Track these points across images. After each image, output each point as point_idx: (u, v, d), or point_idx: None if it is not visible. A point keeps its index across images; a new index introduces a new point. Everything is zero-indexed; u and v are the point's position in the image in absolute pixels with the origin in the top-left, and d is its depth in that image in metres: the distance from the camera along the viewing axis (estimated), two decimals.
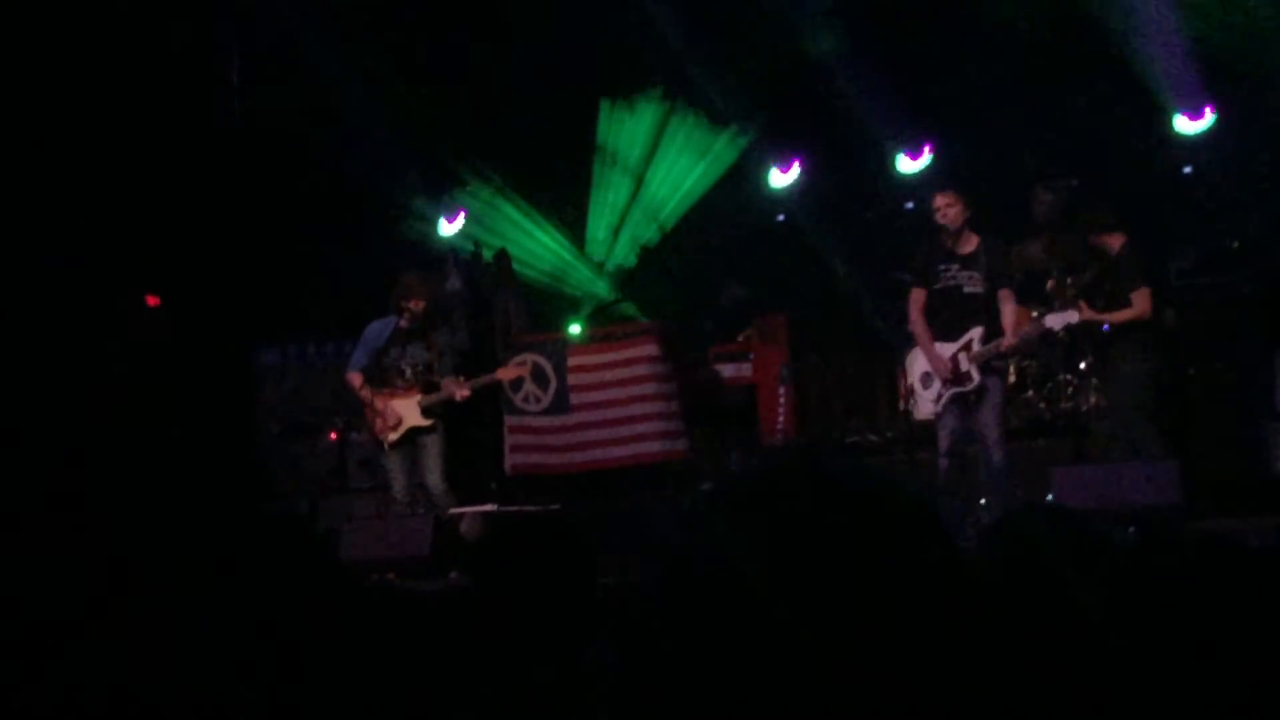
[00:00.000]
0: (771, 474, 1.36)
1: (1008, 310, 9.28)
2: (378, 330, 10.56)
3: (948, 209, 9.27)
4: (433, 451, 10.38)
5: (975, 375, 9.22)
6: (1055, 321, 9.40)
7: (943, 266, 9.32)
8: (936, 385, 9.40)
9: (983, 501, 9.29)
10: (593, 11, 13.42)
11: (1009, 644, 2.39)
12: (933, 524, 1.34)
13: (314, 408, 13.35)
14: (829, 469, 1.35)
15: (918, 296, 9.48)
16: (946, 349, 9.33)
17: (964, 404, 9.34)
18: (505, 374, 10.90)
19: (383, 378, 10.46)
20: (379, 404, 10.41)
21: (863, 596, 1.26)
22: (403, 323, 10.47)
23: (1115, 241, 9.79)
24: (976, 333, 9.24)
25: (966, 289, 9.28)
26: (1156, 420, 9.65)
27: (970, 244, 9.32)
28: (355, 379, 10.55)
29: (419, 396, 10.35)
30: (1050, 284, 11.34)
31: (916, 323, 9.49)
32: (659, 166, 14.64)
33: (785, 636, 1.25)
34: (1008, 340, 9.28)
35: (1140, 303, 9.53)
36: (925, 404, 9.60)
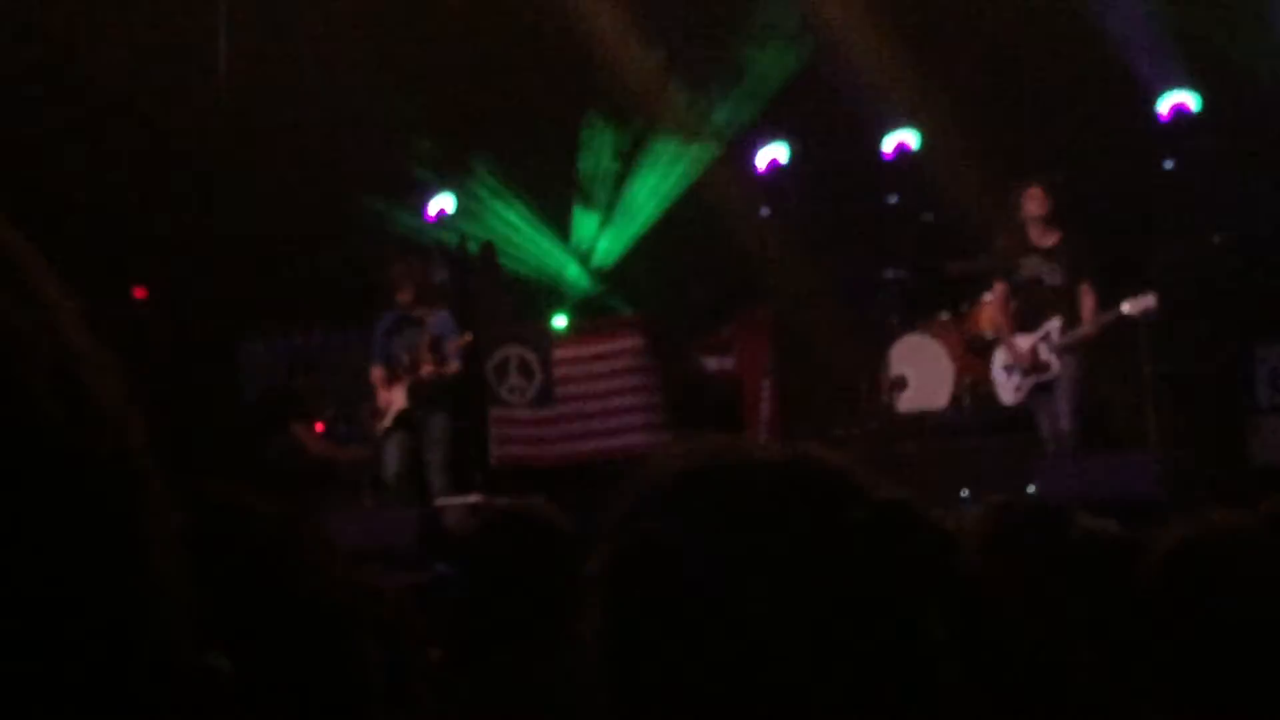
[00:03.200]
0: (723, 464, 1.37)
1: (1088, 302, 9.46)
2: (382, 323, 10.68)
3: (1044, 196, 9.51)
4: (431, 436, 10.43)
5: (1055, 364, 9.39)
6: (1132, 307, 9.46)
7: (1024, 259, 9.50)
8: (1018, 375, 9.59)
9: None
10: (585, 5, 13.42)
11: (988, 636, 2.41)
12: (898, 510, 1.35)
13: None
14: (789, 458, 1.36)
15: (1000, 289, 9.74)
16: (1026, 340, 9.51)
17: (1049, 393, 9.51)
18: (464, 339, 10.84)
19: (390, 368, 10.56)
20: (380, 394, 10.52)
21: (823, 585, 1.27)
22: (399, 311, 10.59)
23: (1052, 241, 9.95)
24: (1056, 324, 9.43)
25: (1047, 281, 9.45)
26: (1078, 421, 9.80)
27: (1052, 238, 9.49)
28: (373, 373, 10.67)
29: (408, 380, 10.44)
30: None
31: (999, 314, 9.80)
32: (645, 158, 14.62)
33: (749, 625, 1.25)
34: (1085, 329, 9.43)
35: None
36: (1007, 393, 9.85)
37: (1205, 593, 2.21)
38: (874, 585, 1.30)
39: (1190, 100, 12.28)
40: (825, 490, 1.33)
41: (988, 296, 11.43)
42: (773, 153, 14.09)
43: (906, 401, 11.26)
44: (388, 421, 10.47)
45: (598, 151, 14.69)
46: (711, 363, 12.80)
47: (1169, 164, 12.36)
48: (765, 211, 14.33)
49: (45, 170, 11.76)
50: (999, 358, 9.92)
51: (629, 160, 14.63)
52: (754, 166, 14.17)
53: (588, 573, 1.40)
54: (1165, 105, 12.32)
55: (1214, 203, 11.67)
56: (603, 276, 14.58)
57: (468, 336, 10.71)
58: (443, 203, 14.47)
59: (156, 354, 12.06)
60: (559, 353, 11.99)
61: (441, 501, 10.19)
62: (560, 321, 12.78)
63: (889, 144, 13.50)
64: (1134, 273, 11.00)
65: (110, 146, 12.44)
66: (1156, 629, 2.23)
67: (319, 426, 12.87)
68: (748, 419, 12.39)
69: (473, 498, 10.58)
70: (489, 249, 13.36)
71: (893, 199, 13.21)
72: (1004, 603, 2.53)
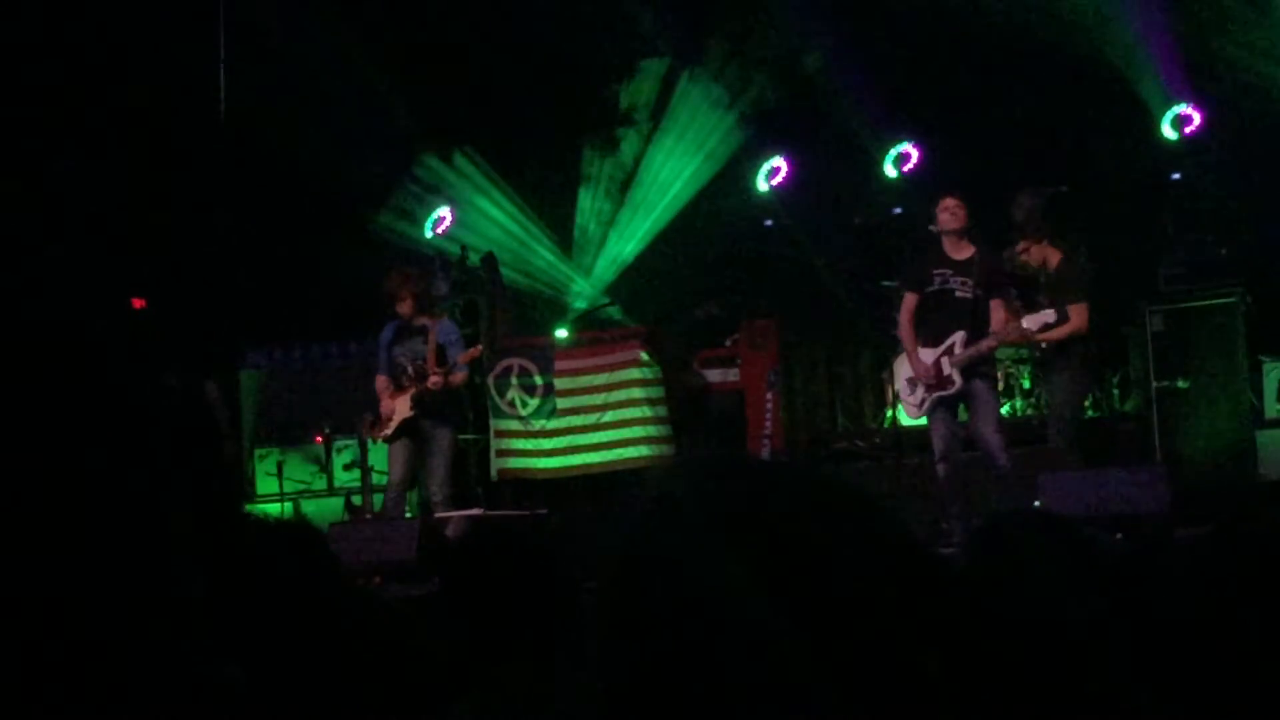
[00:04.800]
0: (722, 477, 1.35)
1: (996, 318, 9.32)
2: (386, 331, 10.60)
3: (957, 209, 9.30)
4: (435, 449, 10.35)
5: (957, 379, 9.25)
6: (1032, 322, 9.38)
7: (937, 271, 9.34)
8: (921, 390, 9.42)
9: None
10: (586, 13, 13.42)
11: (994, 650, 2.37)
12: (887, 521, 1.33)
13: (300, 411, 13.30)
14: (768, 473, 1.34)
15: (909, 301, 9.48)
16: (929, 354, 9.36)
17: (951, 409, 9.37)
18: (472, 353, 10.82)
19: (394, 377, 10.48)
20: (383, 403, 10.45)
21: (824, 595, 1.25)
22: (402, 321, 10.51)
23: (1054, 257, 9.86)
24: (959, 337, 9.28)
25: (958, 294, 9.30)
26: (1076, 431, 9.68)
27: (966, 251, 9.35)
28: (378, 382, 10.59)
29: (413, 390, 10.37)
30: None
31: (904, 327, 9.51)
32: (647, 170, 14.63)
33: (751, 637, 1.23)
34: (986, 342, 9.33)
35: (1076, 316, 9.53)
36: (910, 409, 9.66)
37: (1214, 601, 2.18)
38: (865, 594, 1.27)
39: (1197, 113, 12.28)
40: (822, 501, 1.30)
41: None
42: (776, 164, 14.11)
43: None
44: (389, 430, 10.41)
45: (601, 161, 14.70)
46: (715, 375, 12.75)
47: (1176, 176, 12.34)
48: (769, 223, 14.34)
49: (45, 182, 11.74)
50: (902, 371, 9.72)
51: (632, 171, 14.64)
52: (757, 177, 14.19)
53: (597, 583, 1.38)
54: (1173, 118, 12.32)
55: (1220, 215, 11.64)
56: (605, 288, 14.57)
57: (476, 349, 10.67)
58: (444, 214, 14.47)
59: (155, 366, 12.01)
60: (561, 364, 11.95)
61: (443, 514, 10.14)
62: (562, 333, 12.75)
63: (892, 155, 13.52)
64: (1143, 284, 10.98)
65: (110, 158, 12.41)
66: (1163, 638, 2.20)
67: (318, 439, 12.87)
68: (751, 431, 12.35)
69: (474, 510, 10.55)
70: (490, 260, 13.34)
71: (897, 210, 13.20)
72: (1007, 614, 2.49)
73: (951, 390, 9.27)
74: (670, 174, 14.54)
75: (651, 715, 1.27)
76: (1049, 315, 9.30)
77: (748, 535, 1.28)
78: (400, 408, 10.38)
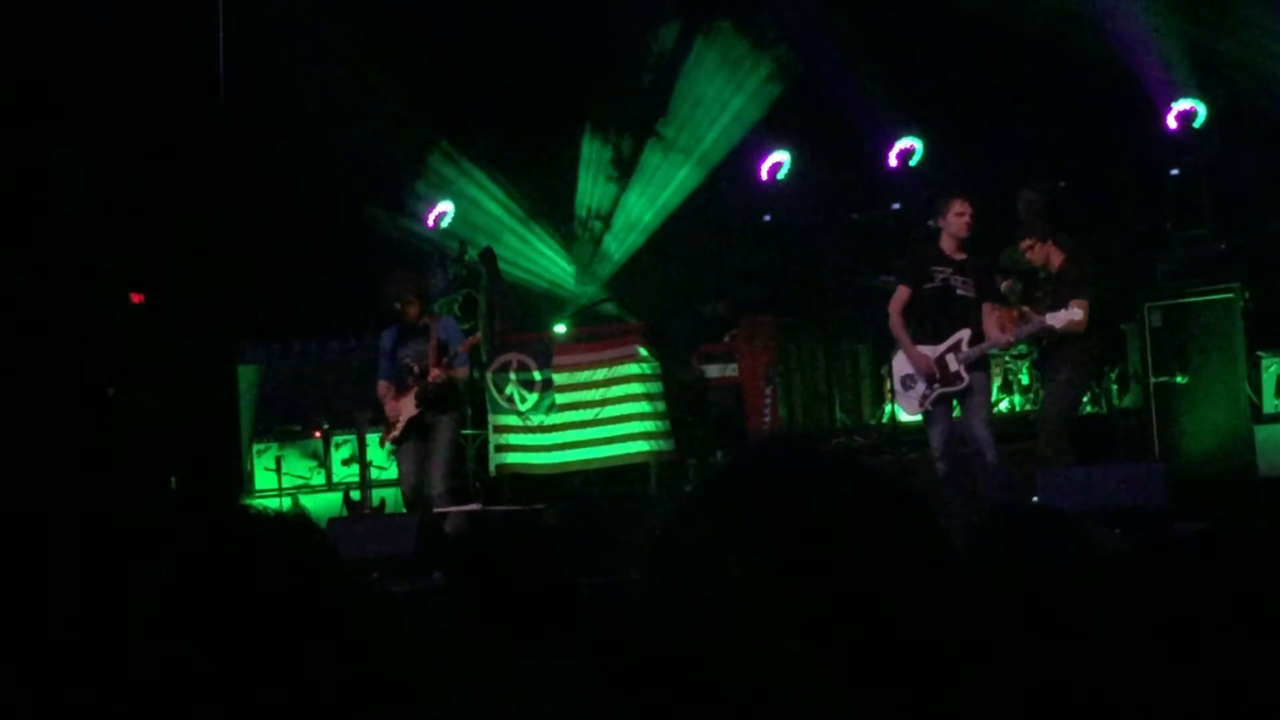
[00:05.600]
0: (755, 467, 1.35)
1: (990, 319, 9.31)
2: (388, 336, 10.53)
3: (970, 217, 9.29)
4: (438, 442, 10.30)
5: (965, 375, 9.23)
6: (1056, 320, 9.35)
7: (938, 269, 9.32)
8: (920, 387, 9.38)
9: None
10: (586, 10, 13.43)
11: (993, 645, 2.36)
12: (924, 515, 1.32)
13: (299, 406, 13.29)
14: (814, 460, 1.33)
15: (901, 294, 9.42)
16: (931, 350, 9.31)
17: (948, 404, 9.37)
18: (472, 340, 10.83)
19: (399, 380, 10.42)
20: (387, 407, 10.40)
21: (849, 589, 1.25)
22: (404, 323, 10.44)
23: (1056, 257, 9.80)
24: (964, 334, 9.25)
25: (959, 292, 9.29)
26: (1068, 434, 9.65)
27: (965, 252, 9.35)
28: (379, 387, 10.52)
29: (417, 388, 10.33)
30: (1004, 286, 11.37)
31: (895, 319, 9.45)
32: (648, 162, 14.64)
33: (769, 631, 1.23)
34: (1004, 339, 9.34)
35: (1076, 311, 9.43)
36: (910, 405, 9.62)
37: (1212, 598, 2.18)
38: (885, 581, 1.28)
39: (1197, 109, 12.28)
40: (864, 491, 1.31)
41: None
42: (776, 159, 14.11)
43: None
44: (397, 431, 10.36)
45: (599, 157, 14.70)
46: (713, 370, 12.76)
47: (1175, 172, 12.34)
48: (768, 218, 14.35)
49: (45, 176, 11.74)
50: (898, 367, 9.69)
51: (630, 167, 14.64)
52: (757, 173, 14.19)
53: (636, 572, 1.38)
54: (1172, 114, 12.32)
55: (1219, 211, 11.64)
56: (604, 283, 14.57)
57: (475, 337, 10.65)
58: (443, 208, 14.45)
59: (153, 359, 12.03)
60: (559, 360, 11.95)
61: (442, 509, 10.13)
62: (561, 328, 12.75)
63: (892, 151, 13.53)
64: (1141, 280, 11.00)
65: (110, 153, 12.41)
66: (1160, 634, 2.19)
67: (316, 433, 12.87)
68: (750, 426, 12.35)
69: (473, 505, 10.53)
70: (489, 255, 13.34)
71: (896, 206, 13.21)
72: (1005, 609, 2.50)
73: (960, 386, 9.26)
74: (671, 166, 14.53)
75: (671, 704, 1.27)
76: (1075, 314, 9.25)
77: (781, 527, 1.28)
78: (405, 408, 10.32)
